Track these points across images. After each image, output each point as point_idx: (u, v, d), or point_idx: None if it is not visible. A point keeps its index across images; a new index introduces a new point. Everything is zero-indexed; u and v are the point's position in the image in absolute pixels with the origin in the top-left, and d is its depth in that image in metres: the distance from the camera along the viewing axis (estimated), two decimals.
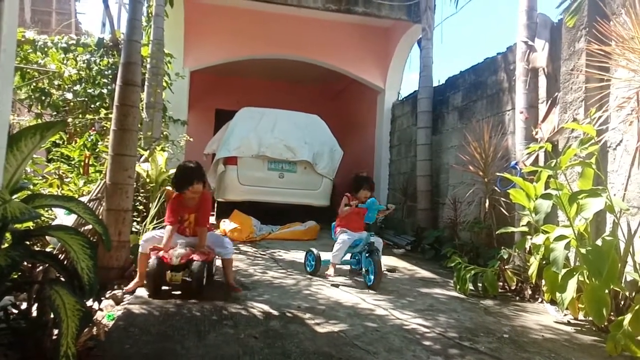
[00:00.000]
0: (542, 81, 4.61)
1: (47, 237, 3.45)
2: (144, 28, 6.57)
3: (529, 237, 3.81)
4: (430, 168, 7.03)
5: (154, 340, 2.42)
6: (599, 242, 3.07)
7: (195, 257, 3.37)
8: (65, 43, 7.21)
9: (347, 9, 8.17)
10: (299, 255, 5.46)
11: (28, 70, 6.88)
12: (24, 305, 2.22)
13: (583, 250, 3.03)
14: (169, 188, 5.55)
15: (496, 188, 4.68)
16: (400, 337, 2.74)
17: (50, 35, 7.74)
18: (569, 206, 3.17)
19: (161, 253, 3.37)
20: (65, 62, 7.12)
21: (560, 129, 4.00)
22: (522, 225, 4.01)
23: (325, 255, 4.45)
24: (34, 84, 6.90)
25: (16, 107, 7.44)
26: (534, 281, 3.69)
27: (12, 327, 2.04)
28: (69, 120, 6.57)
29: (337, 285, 4.06)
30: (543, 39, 4.54)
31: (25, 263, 2.27)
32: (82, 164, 5.23)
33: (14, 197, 1.98)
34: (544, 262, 3.49)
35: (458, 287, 4.03)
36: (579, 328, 3.19)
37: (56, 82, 7.04)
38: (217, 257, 3.81)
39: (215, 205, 8.21)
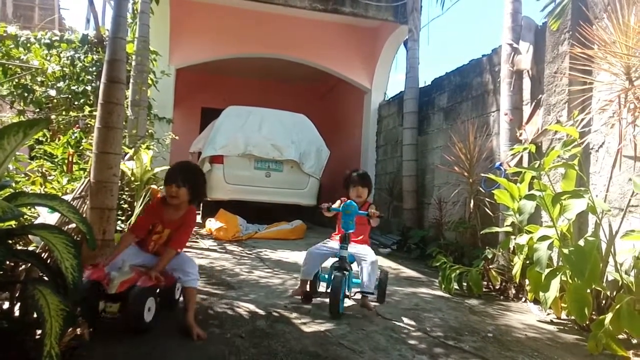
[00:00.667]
0: (527, 83, 4.67)
1: (30, 235, 3.40)
2: (129, 25, 6.51)
3: (512, 237, 3.86)
4: (416, 168, 7.07)
5: (139, 340, 2.40)
6: (581, 242, 3.12)
7: (139, 282, 2.48)
8: (49, 39, 7.10)
9: (334, 9, 8.18)
10: (285, 255, 5.46)
11: (10, 66, 6.76)
12: (5, 305, 2.19)
13: (566, 251, 3.07)
14: (154, 186, 5.52)
15: (481, 188, 4.73)
16: (386, 336, 2.76)
17: (33, 30, 7.61)
18: (552, 207, 3.21)
19: (94, 275, 2.44)
20: (48, 58, 7.01)
21: (543, 130, 4.05)
22: (506, 226, 4.06)
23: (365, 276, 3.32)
24: (17, 80, 6.78)
25: None
26: (517, 281, 3.74)
27: None
28: (53, 117, 6.48)
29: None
30: (527, 42, 4.60)
31: (8, 262, 2.23)
32: (66, 161, 5.15)
33: None
34: (528, 262, 3.53)
35: (443, 286, 4.06)
36: (562, 327, 3.24)
37: (39, 79, 6.93)
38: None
39: (201, 204, 8.16)
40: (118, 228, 4.25)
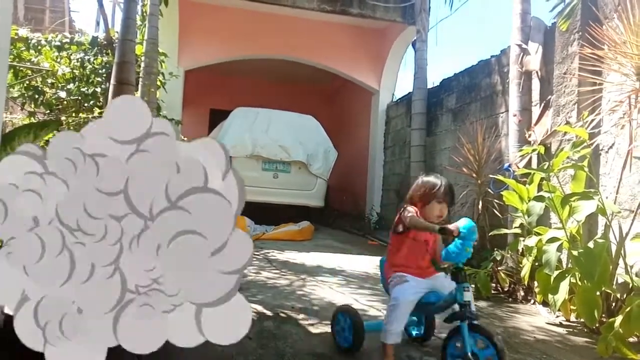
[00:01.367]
0: (536, 84, 4.64)
1: None
2: (138, 27, 6.55)
3: (521, 238, 3.83)
4: (424, 169, 7.04)
5: None
6: (590, 244, 3.09)
7: None
8: (59, 41, 7.17)
9: (342, 10, 8.19)
10: (292, 256, 5.47)
11: (21, 68, 6.83)
12: None
13: (575, 253, 3.06)
14: None
15: (489, 190, 4.70)
16: None
17: (43, 33, 7.71)
18: (561, 208, 3.19)
19: None
20: (58, 60, 7.08)
21: (553, 131, 4.03)
22: (515, 227, 4.03)
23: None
24: (27, 82, 6.85)
25: (9, 105, 7.39)
26: (526, 283, 3.71)
27: None
28: (63, 119, 6.54)
29: None
30: (537, 42, 4.57)
31: None
32: None
33: None
34: (537, 264, 3.51)
35: None
36: (571, 329, 3.21)
37: (49, 81, 6.99)
38: None
39: None
40: None
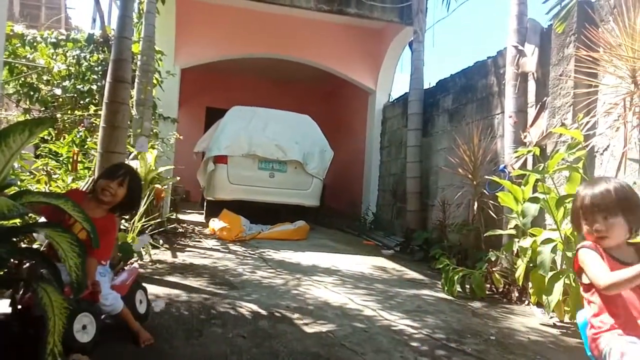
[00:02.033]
0: (532, 86, 4.65)
1: (34, 234, 3.41)
2: (134, 25, 6.52)
3: (516, 240, 3.85)
4: (420, 170, 7.06)
5: None
6: None
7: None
8: (55, 38, 7.13)
9: (339, 10, 8.19)
10: (288, 255, 5.47)
11: (16, 64, 6.80)
12: (8, 303, 2.20)
13: (569, 254, 3.07)
14: (159, 186, 5.53)
15: (485, 191, 4.72)
16: (388, 338, 2.76)
17: (39, 29, 7.66)
18: (556, 210, 3.21)
19: None
20: (54, 57, 7.05)
21: (548, 133, 4.04)
22: (510, 228, 4.04)
23: None
24: (23, 79, 6.82)
25: (4, 101, 7.35)
26: (520, 284, 3.72)
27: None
28: (58, 116, 6.51)
29: None
30: (533, 44, 4.58)
31: (12, 260, 2.24)
32: (71, 160, 5.18)
33: (1, 193, 1.96)
34: (531, 265, 3.52)
35: (446, 288, 4.05)
36: (565, 330, 3.22)
37: (45, 78, 6.96)
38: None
39: (205, 204, 8.18)
40: (122, 227, 4.27)
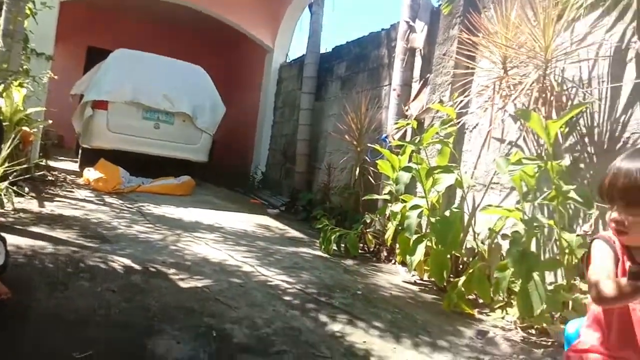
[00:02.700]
0: (418, 62, 4.91)
1: None
2: None
3: (390, 204, 4.13)
4: (311, 133, 7.19)
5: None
6: (447, 213, 3.44)
7: None
8: None
9: None
10: (169, 211, 5.32)
11: None
12: None
13: (433, 219, 3.39)
14: (26, 129, 5.00)
15: (367, 158, 4.96)
16: (263, 293, 2.84)
17: None
18: (425, 179, 3.48)
19: None
20: None
21: (427, 108, 4.33)
22: (385, 194, 4.32)
23: None
24: None
25: None
26: (389, 244, 4.03)
27: None
28: None
29: None
30: (423, 22, 4.82)
31: None
32: None
33: None
34: (400, 228, 3.81)
35: (323, 247, 4.26)
36: (423, 287, 3.57)
37: None
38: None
39: (80, 151, 7.59)
40: None
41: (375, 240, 4.34)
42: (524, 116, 2.84)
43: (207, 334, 2.14)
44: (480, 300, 3.17)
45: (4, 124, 4.52)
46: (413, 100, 4.64)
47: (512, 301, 2.97)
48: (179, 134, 7.50)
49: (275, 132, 9.14)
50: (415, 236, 3.40)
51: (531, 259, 2.63)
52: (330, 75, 7.08)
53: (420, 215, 3.44)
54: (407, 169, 3.55)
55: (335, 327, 2.46)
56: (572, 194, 2.63)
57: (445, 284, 3.37)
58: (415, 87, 4.82)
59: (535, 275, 2.60)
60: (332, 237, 4.19)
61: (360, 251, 4.33)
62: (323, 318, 2.56)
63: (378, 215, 4.29)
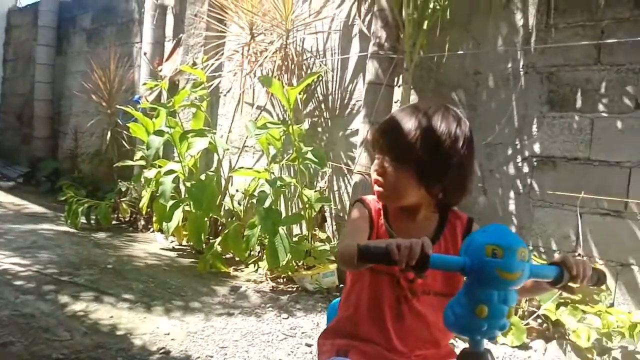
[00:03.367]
0: (170, 20, 4.69)
1: None
2: None
3: (145, 170, 3.94)
4: (52, 92, 6.31)
5: None
6: (202, 177, 3.46)
7: None
8: None
9: None
10: None
11: None
12: None
13: (188, 184, 3.37)
14: None
15: (119, 121, 4.60)
16: None
17: None
18: (179, 144, 3.42)
19: None
20: None
21: (180, 70, 4.21)
22: (137, 160, 4.10)
23: None
24: None
25: None
26: (145, 212, 3.87)
27: None
28: None
29: None
30: None
31: None
32: None
33: None
34: (157, 195, 3.69)
35: (69, 221, 3.84)
36: (182, 252, 3.56)
37: None
38: None
39: None
40: None
41: (131, 209, 4.11)
42: (266, 82, 3.01)
43: None
44: (237, 259, 3.33)
45: None
46: (166, 60, 4.45)
47: (264, 256, 3.19)
48: None
49: (6, 89, 7.69)
50: (171, 202, 3.33)
51: (275, 215, 2.86)
52: (73, 27, 6.25)
53: (176, 181, 3.37)
54: (158, 133, 3.42)
55: (78, 306, 2.27)
56: (309, 155, 2.92)
57: (204, 246, 3.41)
58: (169, 46, 4.63)
59: (281, 229, 2.84)
60: (80, 210, 3.81)
61: (115, 222, 4.06)
62: (64, 299, 2.34)
63: (133, 183, 4.06)
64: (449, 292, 0.94)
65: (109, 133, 4.75)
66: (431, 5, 2.73)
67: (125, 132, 4.48)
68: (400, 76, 2.86)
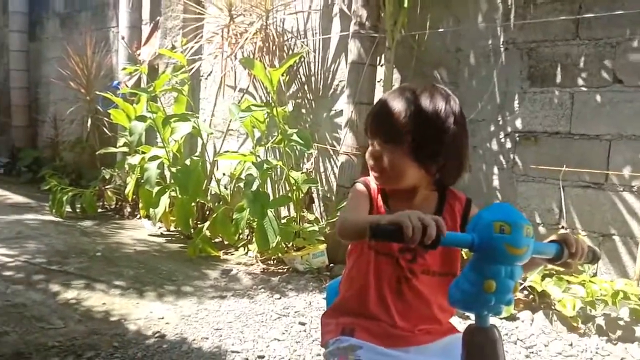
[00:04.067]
0: (147, 2, 4.60)
1: None
2: None
3: (129, 157, 3.91)
4: (28, 80, 6.16)
5: None
6: (187, 162, 3.44)
7: None
8: None
9: None
10: None
11: None
12: None
13: (174, 169, 3.35)
14: None
15: (99, 107, 4.53)
16: None
17: None
18: (162, 129, 3.39)
19: None
20: None
21: (159, 54, 4.15)
22: (120, 146, 4.05)
23: None
24: None
25: None
26: (131, 199, 3.85)
27: None
28: None
29: None
30: None
31: None
32: None
33: None
34: (142, 181, 3.67)
35: (54, 210, 3.81)
36: (170, 238, 3.56)
37: None
38: None
39: None
40: None
41: (116, 196, 4.08)
42: (248, 64, 2.99)
43: None
44: (226, 242, 3.34)
45: None
46: (144, 44, 4.37)
47: (253, 239, 3.21)
48: None
49: None
50: (157, 188, 3.32)
51: (263, 197, 2.88)
52: (45, 12, 6.07)
53: (160, 166, 3.36)
54: (141, 119, 3.39)
55: (70, 294, 2.28)
56: (295, 137, 2.93)
57: (192, 231, 3.42)
58: (146, 30, 4.54)
59: (269, 212, 2.86)
60: (65, 198, 3.77)
61: (100, 210, 4.04)
62: (55, 288, 2.34)
63: (117, 170, 4.02)
64: (447, 271, 0.99)
65: (90, 120, 4.67)
66: None
67: (106, 118, 4.42)
68: (383, 55, 2.87)
